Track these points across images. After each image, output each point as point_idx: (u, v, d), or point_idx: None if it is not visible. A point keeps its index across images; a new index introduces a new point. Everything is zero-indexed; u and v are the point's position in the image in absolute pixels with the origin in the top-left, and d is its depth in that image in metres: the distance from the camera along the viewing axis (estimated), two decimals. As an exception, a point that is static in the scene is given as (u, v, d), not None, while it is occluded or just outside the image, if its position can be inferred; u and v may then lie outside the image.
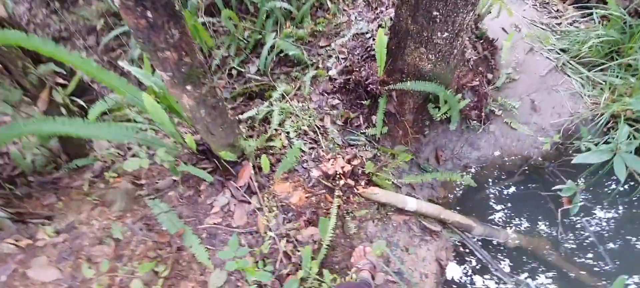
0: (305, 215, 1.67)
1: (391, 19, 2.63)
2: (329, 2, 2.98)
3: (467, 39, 2.26)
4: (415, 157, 2.12)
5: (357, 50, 2.62)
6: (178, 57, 1.16)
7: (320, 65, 2.68)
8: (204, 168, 1.72)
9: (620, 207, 1.96)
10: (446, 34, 1.71)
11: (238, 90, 2.70)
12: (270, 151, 1.94)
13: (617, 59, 2.23)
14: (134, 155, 1.88)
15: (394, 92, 2.03)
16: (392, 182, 1.94)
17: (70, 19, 3.47)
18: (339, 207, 1.72)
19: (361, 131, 2.13)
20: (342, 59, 2.64)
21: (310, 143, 2.09)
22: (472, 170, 2.15)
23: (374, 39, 2.59)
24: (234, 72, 2.84)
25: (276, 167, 1.80)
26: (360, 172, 1.90)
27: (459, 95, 2.03)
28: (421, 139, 2.16)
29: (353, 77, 2.33)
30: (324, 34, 2.89)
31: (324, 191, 1.78)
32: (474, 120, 2.20)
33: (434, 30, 1.70)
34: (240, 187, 1.70)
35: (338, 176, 1.81)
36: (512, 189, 2.10)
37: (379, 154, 2.06)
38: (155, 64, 1.18)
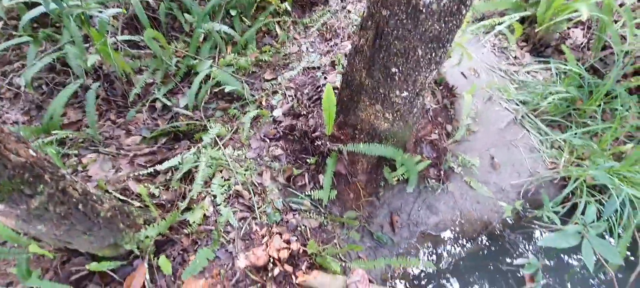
0: (223, 333, 1.28)
1: (346, 55, 2.35)
2: (277, 29, 2.63)
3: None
4: (368, 224, 1.82)
5: (306, 88, 2.29)
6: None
7: (263, 103, 2.31)
8: (74, 275, 1.25)
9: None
10: (406, 93, 1.44)
11: (161, 128, 2.23)
12: (185, 229, 1.52)
13: (575, 117, 2.13)
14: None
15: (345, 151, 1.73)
16: (341, 262, 1.61)
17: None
18: (271, 307, 1.35)
19: (306, 193, 1.79)
20: (289, 96, 2.30)
21: (242, 210, 1.71)
22: (430, 240, 1.90)
23: (325, 77, 2.29)
24: (158, 104, 2.37)
25: (188, 255, 1.39)
26: (301, 251, 1.55)
27: (418, 157, 1.77)
28: (375, 202, 1.87)
29: (299, 124, 1.99)
30: (270, 65, 2.52)
31: None
32: (433, 179, 1.96)
33: (392, 88, 1.42)
34: (131, 297, 1.26)
35: (272, 263, 1.45)
36: (472, 260, 1.88)
37: (325, 223, 1.73)
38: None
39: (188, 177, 1.90)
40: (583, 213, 1.68)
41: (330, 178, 1.69)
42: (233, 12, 2.50)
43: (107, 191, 1.72)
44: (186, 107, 2.33)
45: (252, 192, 1.79)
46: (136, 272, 1.28)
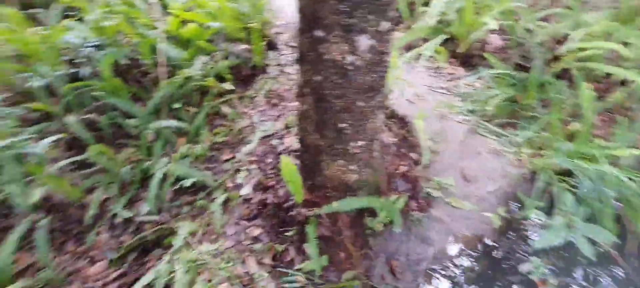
0: None
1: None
2: (225, 108, 2.63)
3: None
4: (369, 279, 1.74)
5: (268, 158, 2.27)
6: None
7: (229, 185, 2.23)
8: None
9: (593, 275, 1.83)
10: (361, 142, 1.48)
11: (127, 244, 2.06)
12: None
13: (520, 113, 2.28)
14: None
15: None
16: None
17: None
18: None
19: (296, 268, 1.69)
20: (253, 171, 2.25)
21: (234, 309, 1.57)
22: (434, 274, 1.85)
23: (283, 142, 2.29)
24: (118, 220, 2.21)
25: None
26: (308, 335, 1.43)
27: (394, 196, 1.77)
28: (369, 253, 1.81)
29: (270, 197, 1.94)
30: (226, 145, 2.48)
31: None
32: (416, 210, 1.95)
33: (346, 142, 1.47)
34: None
35: None
36: (482, 280, 1.83)
37: (324, 294, 1.63)
38: None
39: (166, 292, 1.74)
40: (562, 202, 1.73)
41: (316, 245, 1.63)
42: (176, 105, 2.48)
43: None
44: (149, 213, 2.19)
45: (239, 286, 1.66)
46: None
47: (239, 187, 2.18)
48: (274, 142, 2.28)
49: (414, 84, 2.55)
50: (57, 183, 2.06)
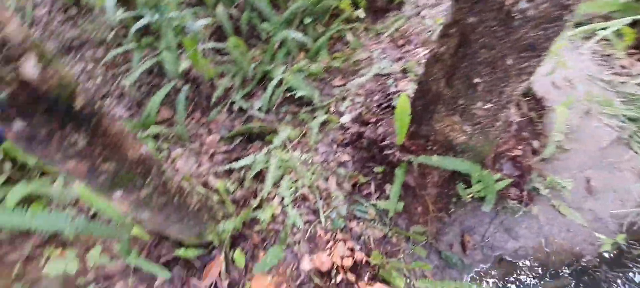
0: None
1: (419, 64, 2.27)
2: (349, 35, 2.65)
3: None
4: (435, 241, 1.72)
5: (376, 95, 2.27)
6: (90, 166, 0.83)
7: (332, 109, 2.34)
8: (162, 257, 1.39)
9: None
10: (489, 105, 1.33)
11: (237, 129, 2.40)
12: (256, 227, 1.60)
13: None
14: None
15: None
16: (405, 278, 1.55)
17: (84, 27, 3.30)
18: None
19: (371, 202, 1.76)
20: (358, 103, 2.29)
21: (307, 213, 1.74)
22: (506, 267, 1.72)
23: (396, 85, 2.24)
24: (235, 106, 2.55)
25: (258, 252, 1.47)
26: (364, 261, 1.53)
27: (498, 175, 1.63)
28: (445, 218, 1.77)
29: (368, 131, 1.97)
30: (340, 71, 2.55)
31: (315, 291, 1.42)
32: (513, 199, 1.78)
33: (473, 99, 1.33)
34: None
35: (336, 270, 1.45)
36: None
37: (390, 235, 1.68)
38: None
39: (259, 176, 2.01)
40: None
41: (399, 189, 1.64)
42: (307, 20, 2.59)
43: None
44: (260, 110, 2.47)
45: (317, 196, 1.82)
46: (214, 261, 1.39)
47: (340, 113, 2.27)
48: (388, 82, 2.24)
49: (569, 65, 2.14)
50: (200, 61, 2.43)
